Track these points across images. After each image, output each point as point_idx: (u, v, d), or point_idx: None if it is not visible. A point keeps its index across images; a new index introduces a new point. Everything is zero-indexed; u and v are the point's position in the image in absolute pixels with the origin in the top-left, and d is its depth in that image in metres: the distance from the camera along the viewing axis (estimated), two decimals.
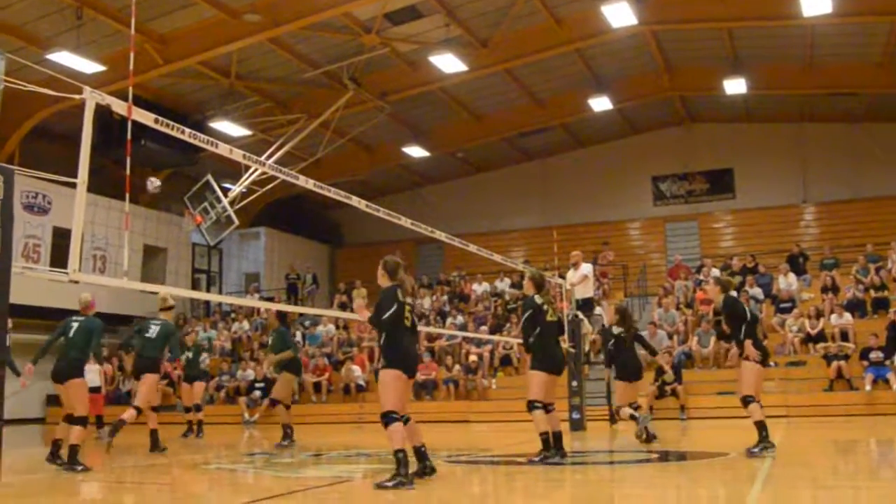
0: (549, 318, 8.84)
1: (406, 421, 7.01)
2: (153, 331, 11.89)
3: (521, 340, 9.52)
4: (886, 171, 24.25)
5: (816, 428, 13.75)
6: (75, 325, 9.53)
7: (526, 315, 8.86)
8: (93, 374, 17.58)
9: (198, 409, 15.56)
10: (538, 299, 8.86)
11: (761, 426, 8.61)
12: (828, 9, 16.97)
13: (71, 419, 9.24)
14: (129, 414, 11.00)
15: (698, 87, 24.12)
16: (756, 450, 8.52)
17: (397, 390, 6.97)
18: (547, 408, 8.77)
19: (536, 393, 8.72)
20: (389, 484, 6.60)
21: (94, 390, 17.47)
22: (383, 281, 7.38)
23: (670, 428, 13.88)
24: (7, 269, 3.97)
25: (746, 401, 8.73)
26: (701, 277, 21.72)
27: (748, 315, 8.85)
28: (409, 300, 7.28)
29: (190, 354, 15.56)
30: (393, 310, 7.01)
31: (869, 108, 24.21)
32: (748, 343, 8.69)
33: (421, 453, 7.17)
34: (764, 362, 8.92)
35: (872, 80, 21.73)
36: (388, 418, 6.88)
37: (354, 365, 20.49)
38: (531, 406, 8.71)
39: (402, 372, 6.99)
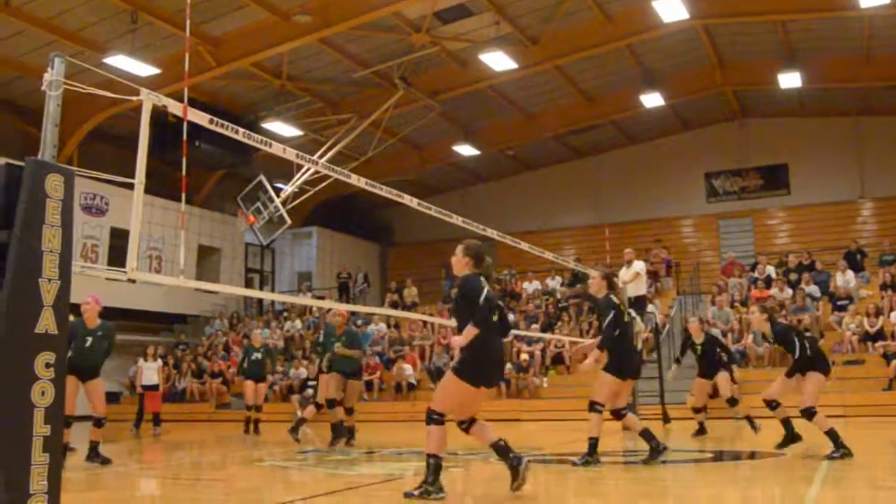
0: (626, 318, 8.40)
1: (468, 426, 6.19)
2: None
3: (572, 339, 9.40)
4: None
5: (875, 428, 13.46)
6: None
7: (610, 316, 8.27)
8: (150, 372, 18.02)
9: (258, 408, 15.91)
10: (615, 299, 8.42)
11: (833, 434, 8.36)
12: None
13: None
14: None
15: (752, 81, 23.78)
16: (836, 454, 8.25)
17: (456, 399, 6.06)
18: (620, 413, 8.48)
19: (603, 396, 8.34)
20: (415, 493, 5.93)
21: (152, 388, 17.93)
22: (463, 269, 6.26)
23: (724, 427, 13.70)
24: (69, 269, 4.04)
25: (811, 413, 8.49)
26: (756, 275, 21.40)
27: (797, 346, 8.62)
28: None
29: (259, 355, 15.83)
30: (483, 296, 5.93)
31: None
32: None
33: (499, 448, 6.07)
34: (827, 373, 8.75)
35: None
36: (430, 417, 6.03)
37: (406, 363, 20.57)
38: (592, 407, 8.33)
39: (471, 384, 5.95)
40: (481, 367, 5.97)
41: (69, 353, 9.42)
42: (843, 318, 18.55)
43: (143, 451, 13.39)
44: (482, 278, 6.09)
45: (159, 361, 18.76)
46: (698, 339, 12.65)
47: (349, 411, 12.23)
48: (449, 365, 20.18)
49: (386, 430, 15.69)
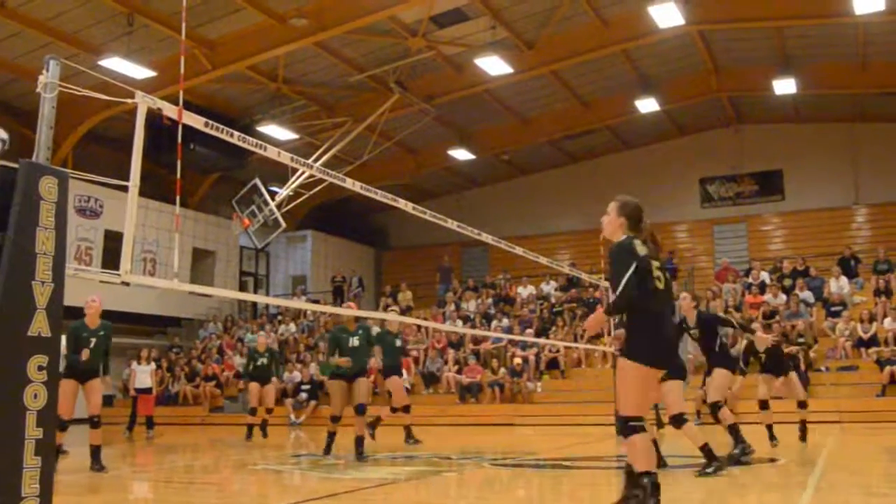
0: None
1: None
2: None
3: (567, 344, 9.38)
4: None
5: (869, 434, 13.49)
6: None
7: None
8: (143, 375, 18.00)
9: (269, 411, 15.83)
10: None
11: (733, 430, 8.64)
12: (881, 6, 16.66)
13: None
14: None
15: (747, 87, 23.82)
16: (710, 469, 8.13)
17: (640, 388, 5.08)
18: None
19: (678, 405, 7.86)
20: None
21: (145, 391, 17.91)
22: (616, 232, 5.35)
23: (719, 432, 13.70)
24: (62, 272, 4.03)
25: (718, 406, 8.81)
26: (750, 280, 21.43)
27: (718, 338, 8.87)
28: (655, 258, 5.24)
29: (264, 360, 15.74)
30: (633, 268, 4.99)
31: None
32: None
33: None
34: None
35: None
36: (626, 426, 5.01)
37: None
38: (679, 420, 7.79)
39: (647, 364, 5.03)
40: (649, 343, 5.07)
41: (69, 356, 9.43)
42: (837, 324, 18.58)
43: (136, 455, 13.36)
44: (635, 241, 5.17)
45: (153, 364, 18.68)
46: (691, 320, 10.15)
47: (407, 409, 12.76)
48: (443, 369, 20.22)
49: (380, 435, 15.64)
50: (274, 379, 16.30)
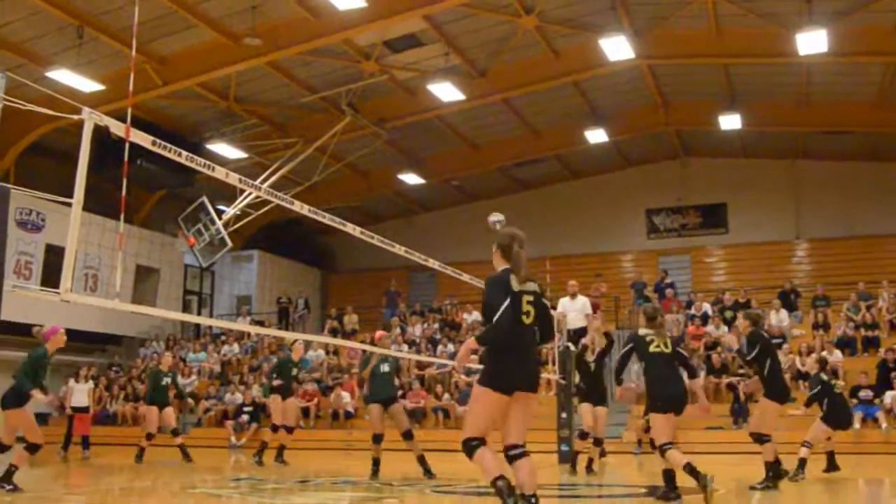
0: (651, 349, 8.16)
1: (515, 456, 5.45)
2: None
3: None
4: (879, 210, 24.34)
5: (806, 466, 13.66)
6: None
7: (626, 349, 8.19)
8: (80, 393, 17.59)
9: (175, 433, 14.97)
10: (640, 331, 8.26)
11: (770, 466, 8.53)
12: (823, 48, 17.13)
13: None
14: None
15: (694, 121, 24.27)
16: (760, 486, 8.44)
17: (486, 413, 5.40)
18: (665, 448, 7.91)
19: (665, 435, 7.95)
20: None
21: (82, 410, 17.46)
22: (496, 261, 5.68)
23: (659, 462, 13.80)
24: (0, 286, 3.95)
25: (762, 439, 8.66)
26: (692, 312, 21.71)
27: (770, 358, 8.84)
28: (530, 287, 5.51)
29: (168, 380, 15.10)
30: (507, 303, 5.28)
31: (863, 147, 24.37)
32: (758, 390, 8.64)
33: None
34: (784, 401, 8.90)
35: (867, 118, 21.87)
36: (467, 446, 5.40)
37: (344, 391, 20.39)
38: (663, 449, 7.85)
39: (496, 390, 5.30)
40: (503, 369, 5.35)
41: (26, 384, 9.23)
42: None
43: (71, 475, 13.05)
44: (510, 274, 5.44)
45: (90, 383, 18.25)
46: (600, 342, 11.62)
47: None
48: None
49: (321, 458, 15.51)
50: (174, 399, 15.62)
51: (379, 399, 11.14)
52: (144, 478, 11.58)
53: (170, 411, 15.11)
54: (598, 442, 11.71)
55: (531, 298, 5.43)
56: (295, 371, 14.88)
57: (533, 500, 5.26)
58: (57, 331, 9.84)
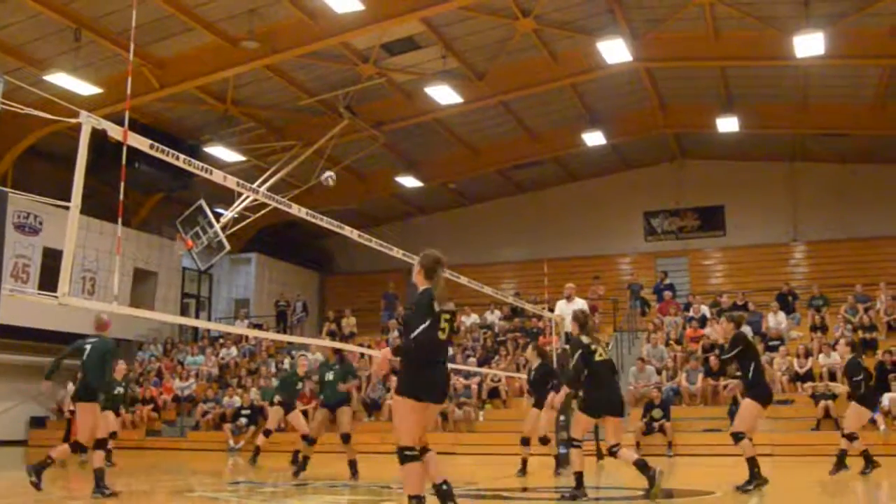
0: (598, 357, 8.54)
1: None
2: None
3: (509, 374, 9.58)
4: (876, 212, 24.38)
5: (803, 468, 13.71)
6: (88, 346, 9.37)
7: (576, 355, 8.57)
8: None
9: (113, 435, 14.56)
10: (585, 339, 8.62)
11: (752, 462, 8.63)
12: (820, 51, 17.15)
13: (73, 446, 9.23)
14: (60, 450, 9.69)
15: (691, 124, 24.28)
16: (750, 486, 8.52)
17: (411, 420, 5.85)
18: (612, 450, 8.50)
19: (578, 432, 8.72)
20: None
21: None
22: (419, 280, 6.11)
23: (657, 464, 13.81)
24: None
25: (737, 437, 8.78)
26: (690, 314, 21.74)
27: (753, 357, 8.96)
28: (448, 307, 6.02)
29: (122, 389, 14.88)
30: (428, 322, 5.81)
31: (860, 150, 24.40)
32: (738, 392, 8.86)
33: (443, 493, 5.87)
34: (764, 404, 8.99)
35: (864, 121, 21.91)
36: (402, 455, 5.79)
37: None
38: (572, 444, 8.73)
39: (415, 399, 5.81)
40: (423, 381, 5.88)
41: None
42: (774, 359, 18.92)
43: (70, 479, 13.03)
44: (431, 292, 5.93)
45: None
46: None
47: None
48: (384, 397, 20.11)
49: (319, 462, 15.49)
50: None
51: (326, 405, 11.98)
52: (143, 482, 11.56)
53: (110, 415, 14.68)
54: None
55: (448, 317, 5.94)
56: (300, 385, 15.21)
57: (444, 486, 5.80)
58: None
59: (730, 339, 9.28)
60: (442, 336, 5.88)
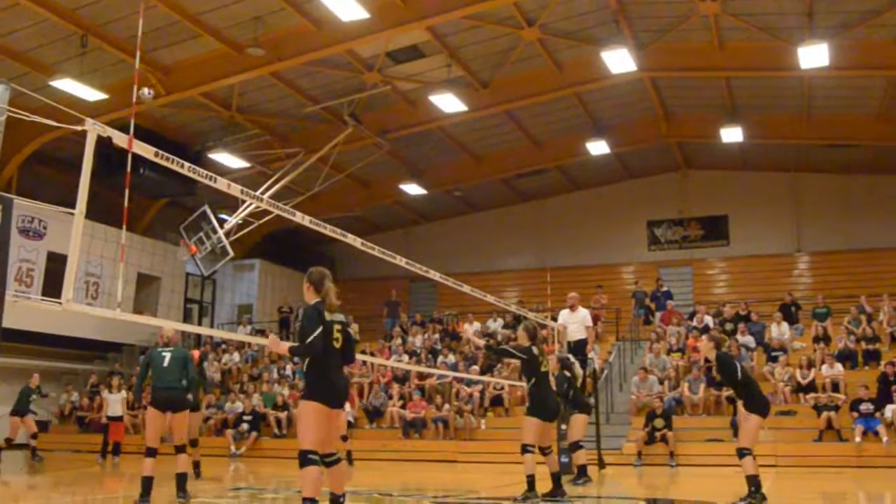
0: (542, 368, 9.30)
1: (331, 463, 6.33)
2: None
3: (511, 382, 9.91)
4: (880, 223, 24.38)
5: (805, 479, 13.69)
6: (167, 354, 9.37)
7: (521, 364, 9.47)
8: (115, 403, 18.26)
9: (34, 436, 17.79)
10: (534, 350, 9.29)
11: (753, 480, 8.58)
12: (825, 62, 17.16)
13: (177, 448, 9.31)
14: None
15: (695, 134, 24.30)
16: (744, 503, 8.51)
17: (316, 424, 6.16)
18: (544, 451, 9.38)
19: (529, 437, 9.20)
20: None
21: (117, 419, 18.11)
22: (307, 295, 6.52)
23: (659, 474, 13.81)
24: (2, 294, 3.98)
25: (742, 453, 8.72)
26: (693, 324, 21.72)
27: (739, 374, 8.92)
28: (338, 317, 6.49)
29: (35, 396, 17.65)
30: (320, 330, 6.18)
31: (864, 160, 24.40)
32: (740, 404, 8.95)
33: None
34: (764, 415, 8.98)
35: (868, 132, 21.93)
36: (304, 458, 6.09)
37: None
38: (524, 449, 9.16)
39: (322, 404, 6.18)
40: (324, 387, 6.27)
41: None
42: (776, 369, 18.88)
43: (75, 482, 13.02)
44: (321, 305, 6.35)
45: (123, 392, 19.15)
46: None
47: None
48: (386, 404, 20.11)
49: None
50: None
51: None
52: (138, 486, 11.54)
53: (30, 420, 17.82)
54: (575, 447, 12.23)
55: (340, 327, 6.39)
56: None
57: (341, 499, 6.33)
58: None
59: (716, 363, 9.23)
60: (336, 345, 6.29)
